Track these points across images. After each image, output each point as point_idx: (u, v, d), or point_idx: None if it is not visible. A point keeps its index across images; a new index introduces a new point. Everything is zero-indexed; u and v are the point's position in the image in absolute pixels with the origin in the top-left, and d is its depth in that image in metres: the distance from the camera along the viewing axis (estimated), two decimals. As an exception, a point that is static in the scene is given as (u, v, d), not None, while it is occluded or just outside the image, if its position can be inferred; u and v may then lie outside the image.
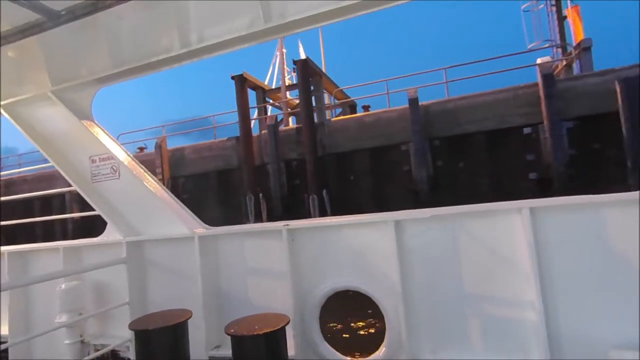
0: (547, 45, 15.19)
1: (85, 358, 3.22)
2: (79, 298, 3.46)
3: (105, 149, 3.41)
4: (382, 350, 2.69)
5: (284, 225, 2.90)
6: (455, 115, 11.02)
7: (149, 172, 3.57)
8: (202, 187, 14.43)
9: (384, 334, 2.70)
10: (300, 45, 15.66)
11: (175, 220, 3.28)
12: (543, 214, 2.34)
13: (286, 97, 14.13)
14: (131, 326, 2.66)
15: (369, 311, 3.22)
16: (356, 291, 2.77)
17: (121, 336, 3.33)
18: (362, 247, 2.78)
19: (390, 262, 2.61)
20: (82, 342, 3.50)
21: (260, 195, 12.99)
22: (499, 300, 2.46)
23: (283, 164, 12.54)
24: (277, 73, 24.72)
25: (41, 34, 2.81)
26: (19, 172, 17.43)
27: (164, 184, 14.40)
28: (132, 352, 3.25)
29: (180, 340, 2.70)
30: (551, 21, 15.11)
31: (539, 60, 11.24)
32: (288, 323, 2.48)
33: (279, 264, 2.93)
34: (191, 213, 3.44)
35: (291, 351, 2.71)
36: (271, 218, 12.51)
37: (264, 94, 14.77)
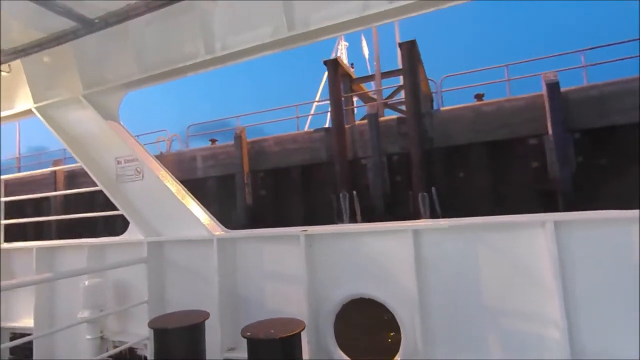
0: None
1: (105, 354, 3.48)
2: (101, 295, 3.64)
3: (130, 151, 3.62)
4: (397, 359, 2.71)
5: (302, 230, 3.01)
6: (601, 103, 9.41)
7: (171, 174, 3.76)
8: (284, 183, 13.28)
9: (399, 343, 2.74)
10: (397, 29, 14.30)
11: (195, 222, 3.45)
12: (567, 228, 2.34)
13: (380, 86, 12.73)
14: (150, 325, 2.79)
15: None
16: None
17: (139, 334, 3.50)
18: (380, 255, 2.83)
19: (407, 271, 2.67)
20: (102, 338, 3.66)
21: (354, 192, 11.49)
22: (518, 314, 2.45)
23: (385, 158, 11.06)
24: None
25: (74, 40, 3.05)
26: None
27: (243, 178, 13.14)
28: (150, 350, 3.39)
29: (197, 340, 2.80)
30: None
31: None
32: (304, 328, 2.55)
33: (296, 270, 3.02)
34: (211, 215, 3.59)
35: (305, 356, 2.77)
36: (369, 218, 11.07)
37: (350, 82, 13.42)
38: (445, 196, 11.58)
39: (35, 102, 3.90)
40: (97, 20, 2.86)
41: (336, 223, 12.44)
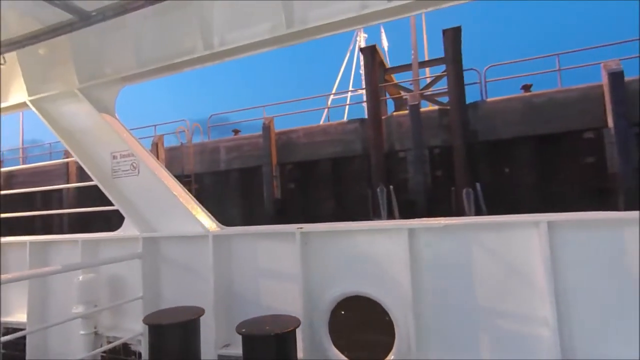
0: None
1: (98, 349, 3.52)
2: (95, 290, 3.66)
3: (126, 146, 3.65)
4: (390, 357, 2.78)
5: (298, 228, 3.05)
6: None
7: (167, 170, 3.79)
8: (313, 176, 12.67)
9: (392, 341, 2.81)
10: (423, 19, 13.73)
11: (190, 218, 3.48)
12: (561, 229, 2.38)
13: (418, 76, 12.09)
14: (145, 320, 2.83)
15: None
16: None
17: (133, 330, 3.56)
18: (375, 253, 2.88)
19: (402, 270, 2.72)
20: (96, 333, 3.68)
21: (391, 187, 10.89)
22: (511, 314, 2.50)
23: (427, 152, 10.43)
24: (356, 59, 23.09)
25: (70, 33, 3.05)
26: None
27: (272, 171, 12.51)
28: (144, 346, 3.49)
29: (192, 336, 2.85)
30: None
31: None
32: (299, 325, 2.62)
33: (291, 267, 3.07)
34: (207, 212, 3.62)
35: (299, 353, 2.85)
36: (409, 214, 10.45)
37: (384, 72, 12.77)
38: (489, 193, 10.95)
39: (30, 95, 3.91)
40: (94, 13, 2.88)
41: (372, 219, 11.85)
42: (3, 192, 4.86)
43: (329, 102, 18.79)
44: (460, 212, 10.96)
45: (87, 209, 4.72)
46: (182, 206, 3.52)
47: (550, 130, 10.50)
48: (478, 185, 10.89)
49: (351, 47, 23.94)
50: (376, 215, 11.88)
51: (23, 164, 22.45)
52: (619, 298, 2.27)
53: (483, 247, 2.58)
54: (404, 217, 11.45)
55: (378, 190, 11.71)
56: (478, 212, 10.78)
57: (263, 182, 13.37)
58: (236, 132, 15.10)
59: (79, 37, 3.32)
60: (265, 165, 13.19)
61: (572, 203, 9.82)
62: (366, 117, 12.21)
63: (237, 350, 2.75)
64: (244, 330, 2.55)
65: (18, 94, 4.01)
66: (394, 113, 12.41)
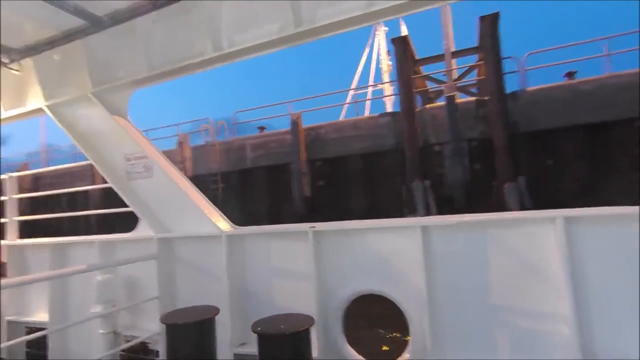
0: None
1: (117, 348, 3.61)
2: (113, 290, 3.76)
3: (139, 148, 3.75)
4: (405, 356, 2.81)
5: (310, 227, 3.08)
6: None
7: (179, 170, 3.87)
8: (343, 172, 12.27)
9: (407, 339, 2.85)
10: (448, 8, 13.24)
11: (204, 218, 3.55)
12: (578, 224, 2.35)
13: (451, 66, 11.60)
14: (162, 320, 2.90)
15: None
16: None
17: (150, 329, 3.64)
18: (388, 251, 2.89)
19: (416, 267, 2.73)
20: (115, 332, 3.77)
21: (427, 182, 10.44)
22: (528, 311, 2.48)
23: (465, 144, 9.93)
24: (377, 52, 22.73)
25: (83, 38, 3.27)
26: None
27: (301, 167, 12.20)
28: (161, 345, 3.56)
29: (208, 335, 2.91)
30: None
31: None
32: (313, 324, 2.66)
33: (304, 266, 3.10)
34: (220, 212, 3.69)
35: (314, 352, 2.86)
36: (447, 210, 9.99)
37: (414, 64, 12.28)
38: (532, 187, 10.44)
39: (46, 100, 4.03)
40: (105, 18, 3.00)
41: (406, 216, 11.41)
42: (21, 195, 5.05)
43: (349, 98, 18.37)
44: (502, 208, 10.49)
45: (102, 211, 4.81)
46: (195, 207, 3.59)
47: (599, 119, 9.91)
48: (521, 179, 10.37)
49: (370, 41, 23.43)
50: (412, 212, 11.47)
51: (44, 167, 22.74)
52: (637, 293, 2.23)
53: (498, 244, 2.58)
54: (442, 214, 10.99)
55: (414, 185, 11.31)
56: (522, 208, 10.28)
57: (291, 179, 13.13)
58: (262, 129, 14.87)
59: (91, 42, 3.48)
60: (294, 162, 12.95)
61: (624, 197, 9.24)
62: (392, 111, 11.82)
63: (253, 349, 2.80)
64: (259, 329, 2.59)
65: (35, 99, 4.15)
66: (428, 105, 11.95)
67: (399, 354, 2.86)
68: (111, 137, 3.87)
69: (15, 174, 5.07)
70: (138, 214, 3.81)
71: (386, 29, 23.44)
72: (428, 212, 11.44)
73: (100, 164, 3.93)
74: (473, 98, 11.58)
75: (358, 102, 16.74)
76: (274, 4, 2.97)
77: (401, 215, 11.65)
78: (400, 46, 12.00)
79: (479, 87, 12.22)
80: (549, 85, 10.74)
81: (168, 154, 18.87)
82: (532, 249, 2.48)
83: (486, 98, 11.21)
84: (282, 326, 2.59)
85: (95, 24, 3.04)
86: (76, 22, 3.06)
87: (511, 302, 2.52)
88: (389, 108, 20.03)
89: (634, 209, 2.26)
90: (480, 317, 2.59)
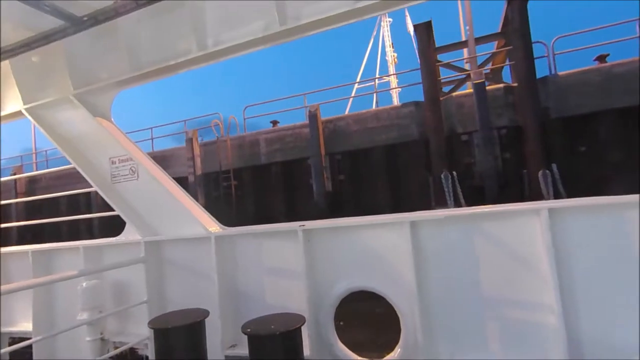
0: None
1: (106, 355, 3.55)
2: (99, 296, 3.73)
3: (124, 150, 3.70)
4: (397, 352, 2.84)
5: (300, 225, 3.09)
6: None
7: (166, 172, 3.81)
8: (365, 166, 11.86)
9: (398, 335, 2.88)
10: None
11: (192, 220, 3.53)
12: (562, 215, 2.41)
13: (474, 53, 11.26)
14: (150, 324, 2.89)
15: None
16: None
17: (140, 334, 3.63)
18: (378, 248, 2.92)
19: (406, 263, 2.76)
20: (102, 339, 3.72)
21: (454, 173, 10.14)
22: (517, 302, 2.54)
23: (496, 133, 9.61)
24: (382, 42, 22.52)
25: (63, 39, 3.10)
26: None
27: (321, 162, 11.77)
28: (151, 350, 3.54)
29: (198, 338, 2.89)
30: None
31: None
32: (304, 323, 2.67)
33: (295, 265, 3.12)
34: (208, 213, 3.66)
35: (306, 351, 2.90)
36: (477, 201, 9.66)
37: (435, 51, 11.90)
38: (565, 174, 10.15)
39: (25, 103, 3.96)
40: (85, 19, 2.93)
41: (434, 208, 11.03)
42: (5, 201, 5.06)
43: (354, 92, 17.93)
44: (535, 197, 10.20)
45: (85, 216, 4.77)
46: (183, 208, 3.57)
47: (634, 103, 9.66)
48: (554, 166, 10.09)
49: (374, 33, 23.07)
50: (440, 204, 11.14)
51: (36, 169, 21.81)
52: (624, 282, 2.30)
53: (486, 237, 2.62)
54: (471, 205, 10.65)
55: (442, 176, 10.97)
56: (557, 195, 10.03)
57: (309, 174, 12.70)
58: (275, 123, 14.35)
59: (72, 43, 3.38)
60: (314, 156, 12.56)
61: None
62: (415, 100, 11.44)
63: (244, 350, 2.79)
64: (249, 330, 2.60)
65: (13, 102, 4.08)
66: (453, 93, 11.59)
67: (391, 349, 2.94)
68: (95, 140, 3.84)
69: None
70: (124, 218, 3.78)
71: (390, 20, 23.14)
72: (458, 204, 11.10)
73: (83, 168, 3.88)
74: (500, 85, 11.27)
75: (374, 92, 16.27)
76: (258, 2, 2.96)
77: (429, 207, 11.29)
78: (423, 32, 11.63)
79: (512, 72, 11.88)
80: (580, 69, 10.48)
81: (176, 152, 17.99)
82: (520, 241, 2.53)
83: (514, 84, 10.93)
84: (272, 326, 2.60)
85: (76, 25, 2.97)
86: (55, 22, 2.99)
87: (501, 294, 2.57)
88: (395, 101, 19.61)
89: (616, 199, 2.32)
90: (471, 310, 2.64)
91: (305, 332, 2.82)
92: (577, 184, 10.08)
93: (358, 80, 21.60)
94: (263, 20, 2.96)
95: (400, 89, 20.58)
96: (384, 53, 22.36)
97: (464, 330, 2.66)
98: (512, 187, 10.76)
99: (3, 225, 5.00)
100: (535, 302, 2.48)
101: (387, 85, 20.64)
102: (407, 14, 22.05)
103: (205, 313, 2.98)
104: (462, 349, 2.65)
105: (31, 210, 18.13)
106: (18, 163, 22.06)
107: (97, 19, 2.89)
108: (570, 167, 10.36)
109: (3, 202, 5.08)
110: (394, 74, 21.49)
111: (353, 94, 18.80)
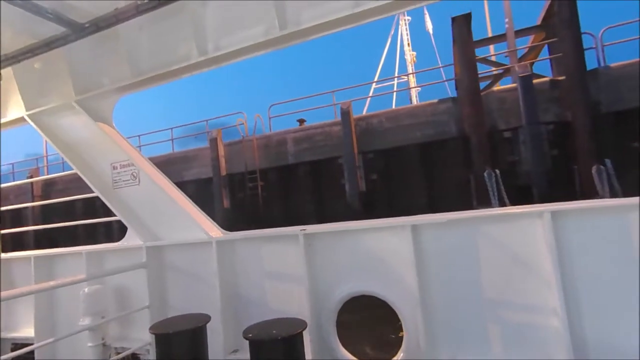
0: None
1: None
2: (101, 302, 3.75)
3: (125, 155, 3.75)
4: (400, 356, 2.84)
5: (301, 230, 3.12)
6: None
7: (168, 178, 3.84)
8: (400, 165, 11.34)
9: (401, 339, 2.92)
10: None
11: (193, 225, 3.57)
12: (565, 218, 2.41)
13: (514, 46, 10.79)
14: (151, 330, 2.91)
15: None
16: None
17: (141, 339, 3.65)
18: (379, 251, 2.92)
19: (407, 267, 2.76)
20: (104, 344, 3.74)
21: (497, 171, 9.66)
22: (519, 305, 2.53)
23: (544, 128, 9.09)
24: (400, 42, 22.16)
25: (65, 46, 3.18)
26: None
27: (354, 161, 11.29)
28: (152, 355, 3.56)
29: (200, 344, 2.92)
30: None
31: None
32: (305, 328, 2.68)
33: (296, 269, 3.13)
34: (209, 218, 3.70)
35: (308, 355, 2.93)
36: (523, 200, 9.11)
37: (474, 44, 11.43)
38: (618, 170, 9.62)
39: (27, 110, 4.01)
40: (87, 25, 2.98)
41: (476, 208, 10.48)
42: (6, 207, 5.01)
43: (371, 92, 17.53)
44: (588, 194, 9.63)
45: (89, 221, 4.76)
46: (184, 213, 3.60)
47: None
48: (608, 161, 9.54)
49: (392, 32, 22.64)
50: (482, 204, 10.63)
51: (47, 173, 21.65)
52: (627, 284, 2.30)
53: (488, 240, 2.62)
54: (516, 204, 10.12)
55: (485, 175, 10.43)
56: (612, 192, 9.45)
57: (341, 174, 12.27)
58: (301, 121, 13.91)
59: (74, 49, 3.43)
60: (347, 155, 12.18)
61: None
62: (452, 96, 10.96)
63: (246, 355, 2.79)
64: (250, 335, 2.60)
65: (16, 109, 4.13)
66: (495, 88, 11.09)
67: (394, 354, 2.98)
68: (96, 146, 3.87)
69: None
70: (126, 223, 3.81)
71: (409, 18, 22.75)
72: (502, 203, 10.57)
73: (85, 173, 3.92)
74: (546, 78, 10.75)
75: (394, 92, 15.79)
76: (258, 7, 2.98)
77: (470, 207, 10.76)
78: (462, 25, 11.19)
79: (559, 65, 11.36)
80: (631, 61, 9.96)
81: (200, 152, 17.53)
82: (522, 244, 2.53)
83: (561, 78, 10.40)
84: (274, 331, 2.59)
85: (77, 31, 3.02)
86: (57, 29, 3.05)
87: (503, 297, 2.57)
88: (415, 100, 19.15)
89: (619, 201, 2.32)
90: (473, 313, 2.63)
91: (306, 336, 2.85)
92: (630, 181, 9.55)
93: (376, 79, 21.18)
94: (263, 25, 2.98)
95: (419, 88, 20.23)
96: (402, 52, 21.93)
97: (466, 334, 2.68)
98: (562, 184, 10.21)
99: (14, 231, 5.12)
100: (537, 304, 2.50)
101: (406, 85, 20.19)
102: (425, 12, 21.61)
103: (207, 318, 3.01)
104: (465, 352, 2.66)
105: (47, 213, 17.85)
106: (33, 166, 21.88)
107: (98, 25, 2.96)
108: (622, 164, 9.83)
109: (9, 207, 5.14)
110: (412, 73, 21.01)
111: (371, 94, 18.37)
